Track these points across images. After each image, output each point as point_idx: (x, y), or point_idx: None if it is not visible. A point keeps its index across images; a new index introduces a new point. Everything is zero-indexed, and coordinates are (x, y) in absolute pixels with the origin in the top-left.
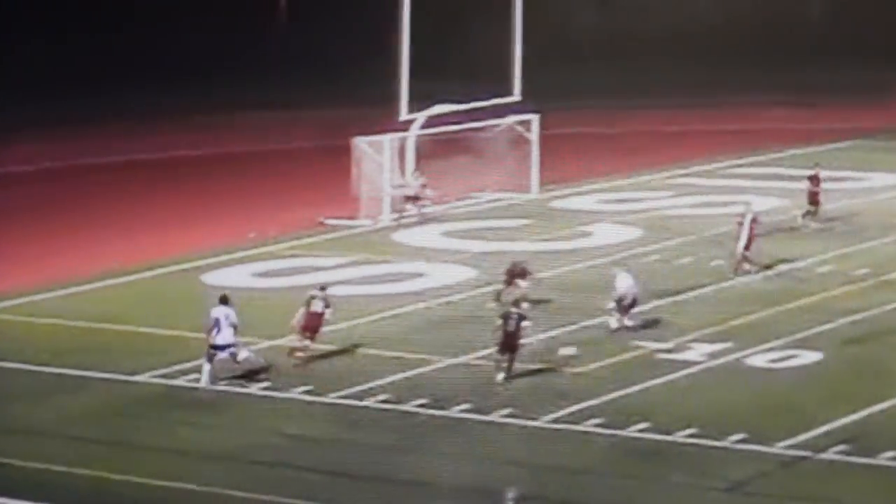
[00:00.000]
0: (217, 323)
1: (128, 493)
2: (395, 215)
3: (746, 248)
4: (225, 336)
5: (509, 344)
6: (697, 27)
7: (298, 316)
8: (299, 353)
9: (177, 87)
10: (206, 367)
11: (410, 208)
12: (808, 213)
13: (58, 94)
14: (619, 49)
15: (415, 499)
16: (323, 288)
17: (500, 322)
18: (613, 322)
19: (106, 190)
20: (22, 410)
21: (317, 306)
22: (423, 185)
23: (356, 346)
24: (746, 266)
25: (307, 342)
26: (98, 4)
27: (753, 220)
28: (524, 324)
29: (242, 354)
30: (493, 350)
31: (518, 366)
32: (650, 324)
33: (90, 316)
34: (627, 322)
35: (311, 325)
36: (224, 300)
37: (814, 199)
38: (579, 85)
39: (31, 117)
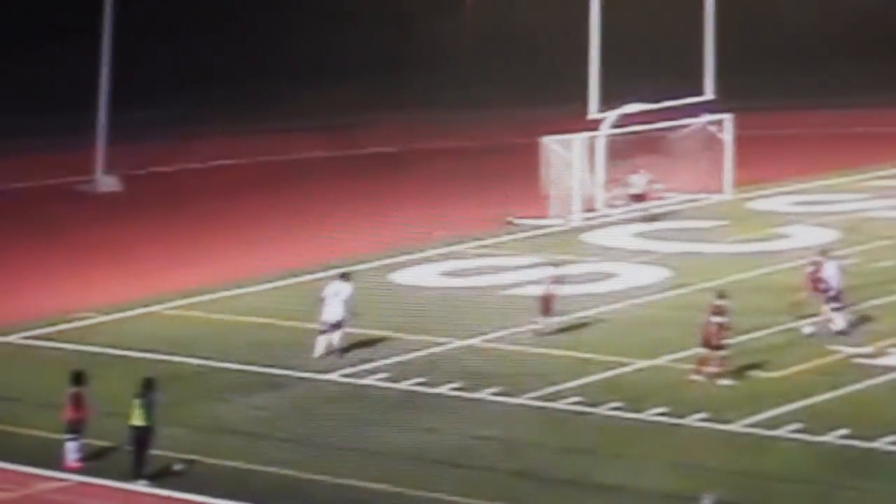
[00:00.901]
0: (324, 300)
1: (318, 492)
2: (617, 212)
3: None
4: (331, 313)
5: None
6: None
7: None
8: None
9: (365, 84)
10: (319, 339)
11: (636, 206)
12: None
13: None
14: (813, 48)
15: (607, 502)
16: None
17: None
18: (808, 328)
19: (296, 186)
20: (213, 408)
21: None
22: (650, 182)
23: (548, 347)
24: None
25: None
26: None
27: None
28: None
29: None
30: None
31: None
32: (849, 328)
33: (281, 314)
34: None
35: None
36: (345, 276)
37: None
38: (773, 85)
39: (223, 112)
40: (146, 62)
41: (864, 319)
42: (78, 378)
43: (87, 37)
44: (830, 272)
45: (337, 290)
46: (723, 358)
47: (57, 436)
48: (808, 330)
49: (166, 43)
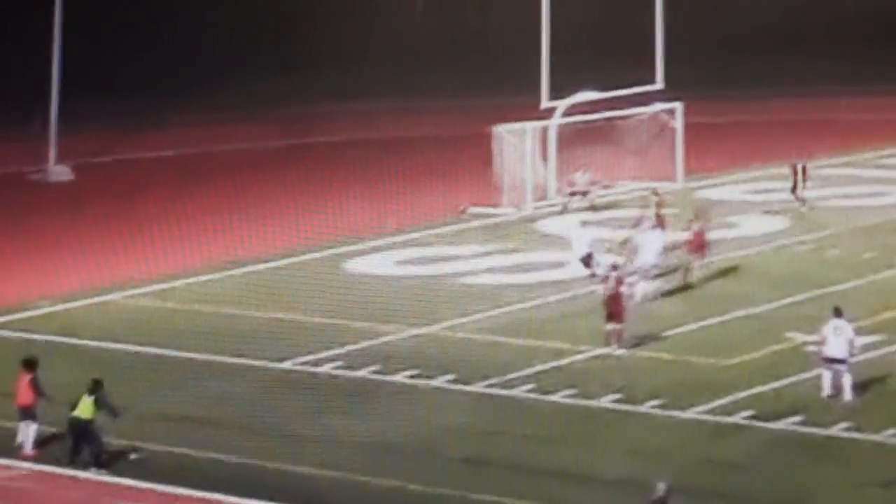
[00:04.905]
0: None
1: (273, 480)
2: (560, 206)
3: None
4: None
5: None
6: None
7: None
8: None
9: (319, 75)
10: None
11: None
12: None
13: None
14: (766, 37)
15: (561, 490)
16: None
17: None
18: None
19: (248, 176)
20: (170, 396)
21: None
22: (592, 182)
23: (499, 335)
24: None
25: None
26: None
27: None
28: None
29: None
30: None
31: (667, 356)
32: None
33: (235, 302)
34: None
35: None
36: None
37: None
38: (722, 73)
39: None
40: (97, 51)
41: (815, 308)
42: (30, 364)
43: (39, 25)
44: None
45: None
46: (621, 329)
47: (11, 423)
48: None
49: (119, 32)
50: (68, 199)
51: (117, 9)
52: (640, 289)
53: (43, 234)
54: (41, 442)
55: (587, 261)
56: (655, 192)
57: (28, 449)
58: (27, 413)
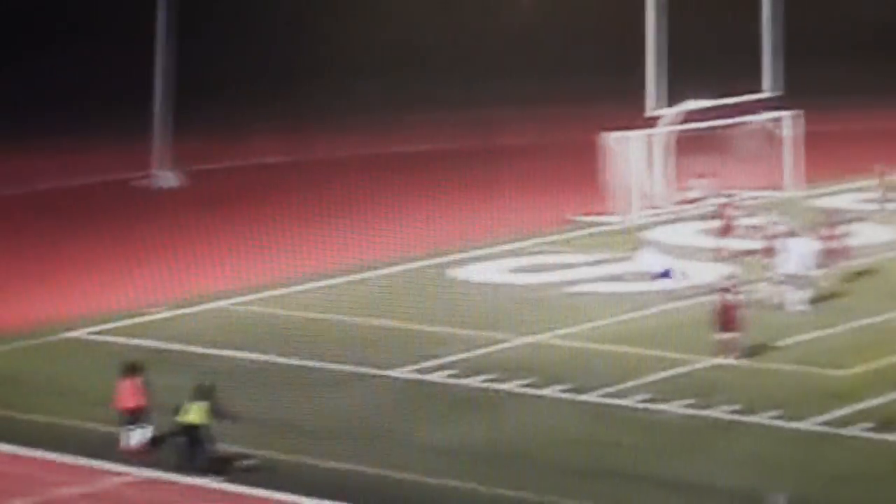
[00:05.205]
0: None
1: (384, 488)
2: (672, 215)
3: None
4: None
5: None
6: None
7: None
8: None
9: (429, 82)
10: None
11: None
12: None
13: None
14: (878, 42)
15: (676, 501)
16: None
17: None
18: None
19: (354, 183)
20: (279, 403)
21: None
22: (709, 188)
23: (611, 344)
24: None
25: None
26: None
27: None
28: None
29: None
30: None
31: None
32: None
33: (344, 309)
34: None
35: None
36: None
37: None
38: (836, 80)
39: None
40: (203, 57)
41: None
42: (132, 368)
43: (144, 32)
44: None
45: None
46: (735, 338)
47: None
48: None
49: (224, 38)
50: (175, 205)
51: (225, 12)
52: (790, 297)
53: (150, 240)
54: (146, 445)
55: (664, 274)
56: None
57: (131, 448)
58: (131, 417)
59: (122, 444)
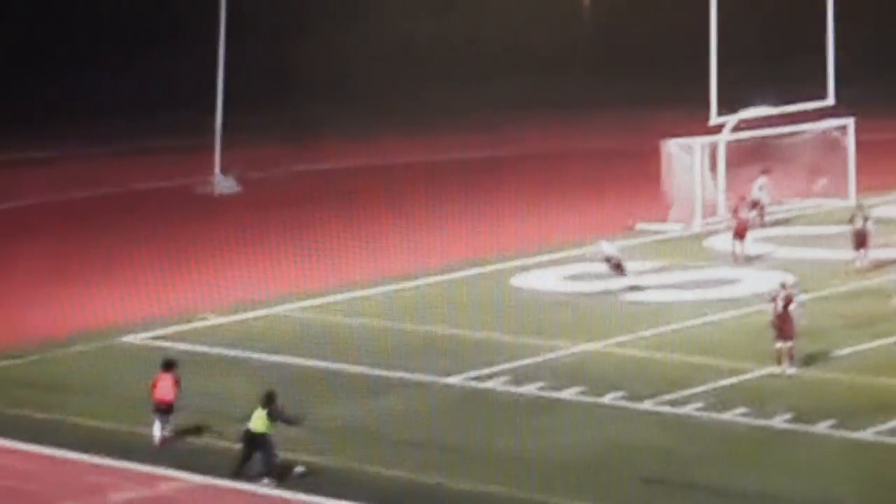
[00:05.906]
0: None
1: (440, 496)
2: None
3: None
4: None
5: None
6: None
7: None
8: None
9: (491, 86)
10: None
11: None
12: None
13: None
14: None
15: None
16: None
17: None
18: None
19: (414, 190)
20: (336, 410)
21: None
22: (762, 188)
23: (668, 352)
24: None
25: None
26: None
27: None
28: None
29: None
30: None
31: (841, 376)
32: None
33: (402, 316)
34: None
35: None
36: None
37: None
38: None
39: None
40: (262, 64)
41: None
42: (170, 364)
43: (205, 38)
44: None
45: None
46: (791, 347)
47: (179, 438)
48: None
49: (282, 45)
50: (234, 210)
51: (289, 20)
52: None
53: (210, 245)
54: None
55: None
56: None
57: (157, 440)
58: (165, 408)
59: (155, 433)
